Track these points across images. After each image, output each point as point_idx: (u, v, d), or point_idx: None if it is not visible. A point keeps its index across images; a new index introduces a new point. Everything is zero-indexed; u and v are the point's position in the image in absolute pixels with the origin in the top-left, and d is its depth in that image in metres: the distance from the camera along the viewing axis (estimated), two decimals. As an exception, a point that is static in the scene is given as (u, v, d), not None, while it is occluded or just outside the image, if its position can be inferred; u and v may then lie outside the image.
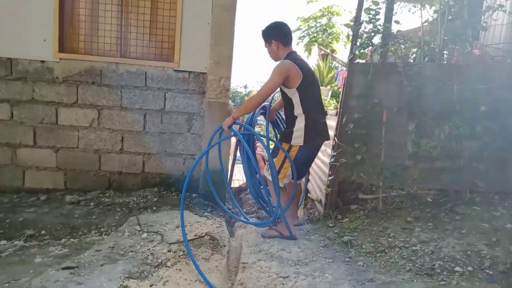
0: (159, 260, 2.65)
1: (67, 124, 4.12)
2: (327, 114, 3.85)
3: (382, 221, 3.17)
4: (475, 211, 3.09)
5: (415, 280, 2.41)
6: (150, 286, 2.34)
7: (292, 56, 3.11)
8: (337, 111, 3.74)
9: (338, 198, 3.66)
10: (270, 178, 3.16)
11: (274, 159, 3.16)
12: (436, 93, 3.43)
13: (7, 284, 2.32)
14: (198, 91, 4.18)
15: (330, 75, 8.20)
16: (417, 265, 2.56)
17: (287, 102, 3.17)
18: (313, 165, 4.81)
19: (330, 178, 3.62)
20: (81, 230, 3.35)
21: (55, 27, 4.03)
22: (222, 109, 4.15)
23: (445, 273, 2.47)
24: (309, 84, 3.10)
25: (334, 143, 3.66)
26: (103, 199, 3.91)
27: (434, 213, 3.13)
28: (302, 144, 3.08)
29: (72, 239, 3.20)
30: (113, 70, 4.11)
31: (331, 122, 3.96)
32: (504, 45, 5.05)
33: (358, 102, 3.56)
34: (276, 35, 3.15)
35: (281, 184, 3.16)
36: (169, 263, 2.60)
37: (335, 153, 3.58)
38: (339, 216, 3.50)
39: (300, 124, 3.07)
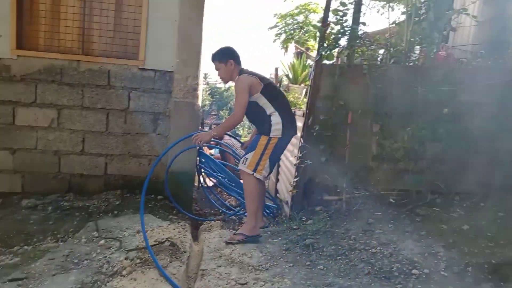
0: (115, 269, 2.56)
1: (25, 125, 3.94)
2: (295, 114, 3.87)
3: (345, 223, 3.17)
4: (435, 213, 3.13)
5: (372, 284, 2.41)
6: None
7: (245, 71, 3.27)
8: (303, 112, 3.71)
9: (304, 199, 3.64)
10: (246, 170, 3.17)
11: (253, 152, 3.18)
12: (400, 95, 3.44)
13: None
14: (164, 90, 4.07)
15: (304, 73, 8.17)
16: (375, 268, 2.56)
17: (255, 110, 3.21)
18: (282, 165, 4.80)
19: (295, 179, 3.59)
20: (36, 237, 3.18)
21: (12, 22, 3.83)
22: (189, 109, 4.06)
23: (402, 276, 2.48)
24: (271, 88, 3.26)
25: (300, 144, 3.63)
26: (62, 203, 3.76)
27: (396, 214, 3.16)
28: (280, 136, 3.17)
29: (25, 247, 3.03)
30: (74, 68, 3.95)
31: (298, 123, 3.93)
32: (471, 46, 5.15)
33: (325, 104, 3.54)
34: (232, 55, 3.28)
35: (260, 176, 3.20)
36: (124, 272, 2.51)
37: (300, 155, 3.56)
38: (304, 217, 3.47)
39: (277, 119, 3.16)
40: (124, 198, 3.93)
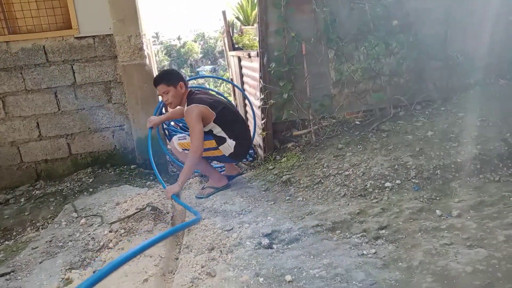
0: (101, 243, 2.57)
1: (-31, 121, 3.69)
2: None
3: (317, 153, 3.24)
4: (399, 125, 3.23)
5: (350, 204, 2.53)
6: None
7: (196, 98, 3.02)
8: (257, 52, 3.61)
9: (275, 139, 3.68)
10: (178, 148, 3.26)
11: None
12: (349, 15, 3.39)
13: None
14: (109, 56, 3.84)
15: (254, 12, 7.87)
16: (350, 189, 2.68)
17: (210, 135, 3.12)
18: (249, 110, 4.77)
19: (263, 121, 3.59)
20: (15, 230, 3.14)
21: None
22: (139, 71, 3.88)
23: (376, 191, 2.61)
24: (225, 114, 3.07)
25: (260, 86, 3.58)
26: (34, 192, 3.66)
27: (363, 135, 3.25)
28: (227, 155, 3.15)
29: (6, 242, 3.00)
30: (5, 50, 3.63)
31: (255, 64, 3.85)
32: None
33: (276, 39, 3.44)
34: (181, 77, 3.04)
35: None
36: (111, 244, 2.53)
37: (263, 96, 3.52)
38: (277, 156, 3.53)
39: (230, 144, 3.10)
40: (97, 175, 3.86)
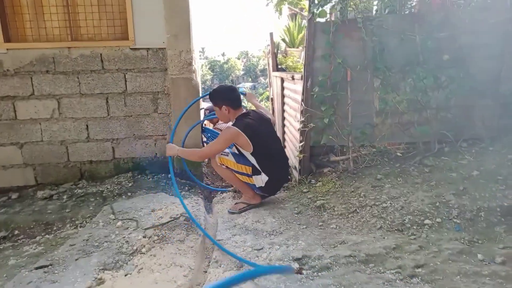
0: (134, 248, 2.64)
1: (27, 118, 3.95)
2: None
3: (354, 181, 3.19)
4: (444, 162, 3.12)
5: (385, 237, 2.45)
6: (125, 275, 2.33)
7: (242, 122, 3.07)
8: (301, 75, 3.65)
9: (311, 162, 3.66)
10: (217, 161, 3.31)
11: (234, 162, 3.22)
12: (398, 46, 3.36)
13: (-20, 291, 2.29)
14: (160, 68, 4.02)
15: (300, 35, 7.98)
16: (387, 222, 2.60)
17: (245, 157, 3.21)
18: (287, 131, 4.79)
19: (301, 144, 3.60)
20: (56, 225, 3.30)
21: (-4, 16, 3.76)
22: (186, 85, 4.02)
23: (415, 227, 2.52)
24: (263, 147, 3.11)
25: (302, 109, 3.60)
26: (76, 191, 3.84)
27: (404, 168, 3.16)
28: (257, 186, 3.19)
29: (47, 236, 3.15)
30: (66, 55, 3.90)
31: (298, 86, 3.89)
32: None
33: (322, 64, 3.47)
34: (226, 100, 3.14)
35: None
36: (144, 250, 2.59)
37: (303, 119, 3.54)
38: (313, 180, 3.51)
39: (264, 178, 3.14)
40: (136, 180, 4.00)
